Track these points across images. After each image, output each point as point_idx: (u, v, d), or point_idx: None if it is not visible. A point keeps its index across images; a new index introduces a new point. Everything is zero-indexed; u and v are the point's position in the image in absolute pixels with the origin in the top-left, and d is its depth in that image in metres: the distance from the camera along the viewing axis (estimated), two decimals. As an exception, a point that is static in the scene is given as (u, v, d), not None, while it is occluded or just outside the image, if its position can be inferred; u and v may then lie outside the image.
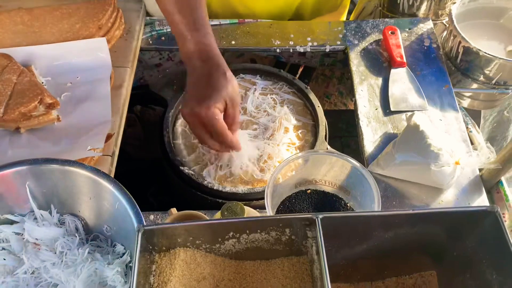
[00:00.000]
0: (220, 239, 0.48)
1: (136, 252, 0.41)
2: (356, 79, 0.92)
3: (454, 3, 0.96)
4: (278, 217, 0.45)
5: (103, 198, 0.54)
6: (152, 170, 0.94)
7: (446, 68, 0.94)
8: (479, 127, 0.91)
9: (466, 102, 1.02)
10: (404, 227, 0.47)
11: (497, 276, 0.44)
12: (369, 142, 0.82)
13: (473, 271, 0.49)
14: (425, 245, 0.53)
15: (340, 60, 1.05)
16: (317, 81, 1.30)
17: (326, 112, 0.88)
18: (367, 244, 0.51)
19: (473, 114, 0.95)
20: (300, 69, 1.08)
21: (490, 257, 0.45)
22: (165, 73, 1.00)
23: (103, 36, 0.87)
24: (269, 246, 0.50)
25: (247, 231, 0.46)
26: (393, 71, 0.92)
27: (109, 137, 0.76)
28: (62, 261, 0.52)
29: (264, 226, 0.45)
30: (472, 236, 0.47)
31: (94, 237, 0.57)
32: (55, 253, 0.54)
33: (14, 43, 0.83)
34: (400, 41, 0.95)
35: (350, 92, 0.94)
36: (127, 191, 0.52)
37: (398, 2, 1.06)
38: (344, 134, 1.19)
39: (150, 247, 0.47)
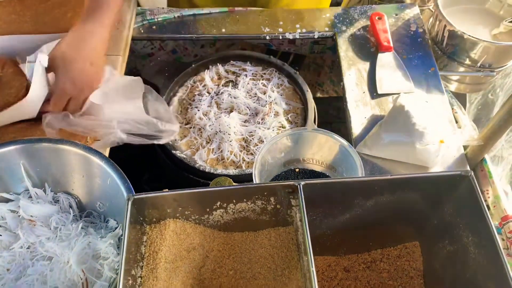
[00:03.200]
0: (208, 209, 0.50)
1: (126, 220, 0.43)
2: (344, 64, 0.94)
3: (440, -12, 0.98)
4: (262, 184, 0.47)
5: (95, 175, 0.55)
6: (145, 157, 0.96)
7: (433, 52, 0.96)
8: (465, 110, 0.93)
9: (453, 86, 1.04)
10: (384, 194, 0.49)
11: (472, 238, 0.46)
12: (357, 124, 0.84)
13: (451, 237, 0.51)
14: (407, 214, 0.55)
15: (330, 47, 1.07)
16: (308, 70, 1.31)
17: (317, 99, 0.90)
18: (350, 213, 0.52)
19: (460, 99, 0.96)
20: (291, 57, 1.10)
21: (466, 221, 0.47)
22: (156, 61, 1.02)
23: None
24: (256, 217, 0.52)
25: (234, 201, 0.48)
26: (380, 55, 0.94)
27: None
28: (56, 236, 0.54)
29: (249, 194, 0.47)
30: (449, 202, 0.49)
31: (87, 214, 0.59)
32: (50, 228, 0.55)
33: (7, 33, 0.84)
34: (387, 26, 0.97)
35: (340, 80, 0.96)
36: (118, 167, 0.53)
37: (386, -12, 1.08)
38: (335, 120, 1.21)
39: (141, 219, 0.49)
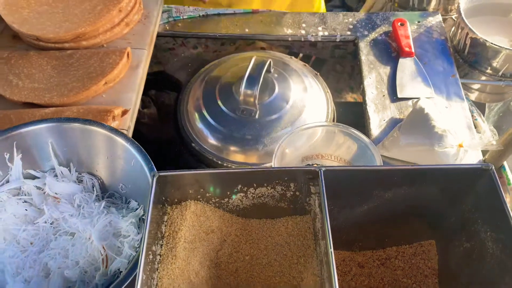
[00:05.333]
0: (228, 193, 0.51)
1: (150, 197, 0.44)
2: (364, 67, 0.95)
3: (463, -4, 0.99)
4: (284, 168, 0.48)
5: (119, 156, 0.57)
6: (166, 151, 0.98)
7: (454, 60, 0.96)
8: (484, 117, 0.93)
9: (473, 96, 1.04)
10: (403, 186, 0.49)
11: (491, 233, 0.46)
12: (376, 126, 0.85)
13: (468, 233, 0.51)
14: (424, 211, 0.56)
15: (350, 53, 1.08)
16: (328, 77, 1.32)
17: (336, 104, 0.91)
18: (367, 205, 0.53)
19: (479, 107, 0.96)
20: (311, 61, 1.12)
21: (484, 216, 0.47)
22: (179, 57, 1.04)
23: (122, 18, 0.92)
24: (275, 203, 0.53)
25: (254, 185, 0.49)
26: (401, 60, 0.95)
27: (125, 112, 0.80)
28: (79, 213, 0.56)
29: (270, 178, 0.48)
30: (468, 197, 0.49)
31: (109, 195, 0.61)
32: (73, 206, 0.57)
33: (39, 23, 0.87)
34: (409, 32, 0.97)
35: (360, 84, 0.97)
36: (143, 149, 0.55)
37: (409, -3, 1.09)
38: (352, 125, 1.21)
39: (163, 198, 0.50)
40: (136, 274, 0.40)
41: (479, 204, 0.48)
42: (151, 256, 0.46)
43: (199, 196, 0.51)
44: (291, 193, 0.51)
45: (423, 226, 0.60)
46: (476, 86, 1.01)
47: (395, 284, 0.62)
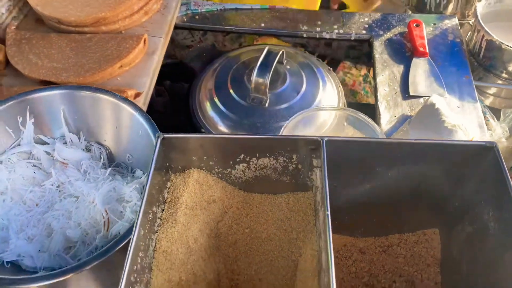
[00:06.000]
0: (231, 162, 0.51)
1: (154, 157, 0.45)
2: (378, 65, 0.95)
3: (480, 0, 0.99)
4: (286, 136, 0.48)
5: (127, 126, 0.58)
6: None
7: (469, 64, 0.96)
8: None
9: (488, 101, 1.03)
10: (406, 164, 0.49)
11: (493, 213, 0.45)
12: (386, 122, 0.85)
13: (471, 217, 0.50)
14: (428, 195, 0.55)
15: (365, 54, 1.09)
16: (343, 81, 1.33)
17: (349, 105, 0.91)
18: (370, 183, 0.53)
19: (494, 113, 0.95)
20: (326, 61, 1.12)
21: (487, 196, 0.47)
22: (196, 48, 1.06)
23: (142, 7, 0.94)
24: (277, 177, 0.53)
25: (257, 154, 0.50)
26: (415, 60, 0.95)
27: (138, 94, 0.81)
28: (85, 179, 0.57)
29: (272, 148, 0.48)
30: (472, 177, 0.48)
31: (116, 165, 0.62)
32: (80, 171, 0.58)
33: (62, 6, 0.90)
34: (424, 33, 0.98)
35: (373, 82, 0.97)
36: (151, 119, 0.56)
37: (426, 1, 1.09)
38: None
39: (167, 164, 0.51)
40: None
41: (483, 185, 0.47)
42: (150, 216, 0.46)
43: (202, 165, 0.52)
44: (293, 166, 0.51)
45: (426, 213, 0.59)
46: (490, 90, 1.00)
47: (396, 272, 0.61)
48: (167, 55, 0.99)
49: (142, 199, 0.41)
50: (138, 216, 0.40)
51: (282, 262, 0.54)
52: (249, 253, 0.54)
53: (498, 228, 0.44)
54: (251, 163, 0.51)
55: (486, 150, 0.45)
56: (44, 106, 0.59)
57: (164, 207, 0.51)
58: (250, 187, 0.55)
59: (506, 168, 0.43)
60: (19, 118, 0.59)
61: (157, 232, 0.49)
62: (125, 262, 0.37)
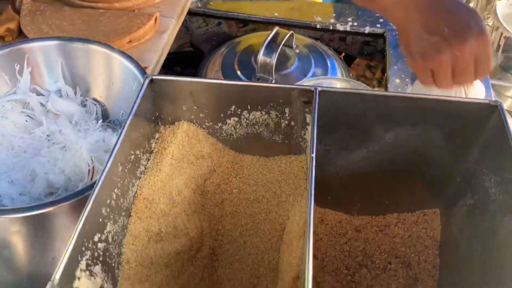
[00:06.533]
0: (222, 115, 0.50)
1: (138, 97, 0.44)
2: (391, 58, 0.93)
3: (500, -1, 0.96)
4: (278, 85, 0.46)
5: (123, 81, 0.57)
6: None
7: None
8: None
9: (506, 104, 0.99)
10: (404, 125, 0.47)
11: (495, 177, 0.42)
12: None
13: (473, 188, 0.47)
14: (428, 168, 0.52)
15: (380, 51, 1.07)
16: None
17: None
18: (367, 148, 0.50)
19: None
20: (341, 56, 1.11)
21: (490, 161, 0.44)
22: (206, 31, 1.06)
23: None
24: (269, 135, 0.51)
25: (248, 107, 0.48)
26: (429, 54, 0.92)
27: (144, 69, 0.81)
28: (76, 129, 0.56)
29: (264, 100, 0.46)
30: (474, 144, 0.46)
31: (109, 121, 0.61)
32: (71, 123, 0.57)
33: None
34: (440, 28, 0.95)
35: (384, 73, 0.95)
36: (146, 72, 0.55)
37: (445, 0, 1.07)
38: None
39: (157, 114, 0.50)
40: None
41: (487, 150, 0.44)
42: (133, 158, 0.45)
43: (192, 117, 0.50)
44: (286, 122, 0.49)
45: (427, 191, 0.56)
46: (508, 93, 0.97)
47: (392, 253, 0.58)
48: (181, 44, 0.99)
49: (121, 131, 0.39)
50: (115, 145, 0.38)
51: (268, 225, 0.51)
52: (235, 214, 0.52)
53: (499, 193, 0.41)
54: (242, 117, 0.49)
55: (490, 109, 0.42)
56: (42, 56, 0.59)
57: (150, 156, 0.49)
58: (241, 148, 0.53)
59: (510, 127, 0.40)
60: (17, 66, 0.59)
61: (139, 179, 0.47)
62: (93, 189, 0.36)
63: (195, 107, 0.49)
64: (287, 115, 0.48)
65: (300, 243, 0.45)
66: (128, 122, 0.41)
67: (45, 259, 0.49)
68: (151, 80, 0.46)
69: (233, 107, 0.48)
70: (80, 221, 0.34)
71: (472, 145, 0.46)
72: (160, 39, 0.90)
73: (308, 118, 0.47)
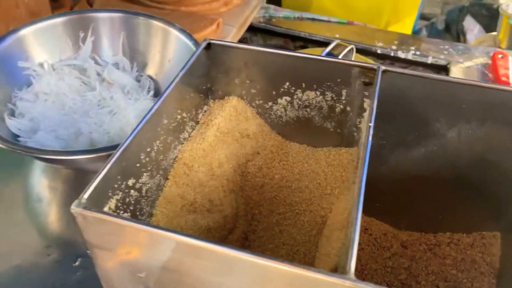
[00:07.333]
0: (274, 93, 0.48)
1: (193, 56, 0.43)
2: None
3: None
4: (337, 60, 0.44)
5: (181, 58, 0.57)
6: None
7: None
8: None
9: None
10: (471, 121, 0.42)
11: None
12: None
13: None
14: (492, 180, 0.47)
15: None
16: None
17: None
18: (425, 146, 0.46)
19: None
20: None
21: None
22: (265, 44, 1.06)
23: (224, -5, 0.97)
24: (321, 121, 0.48)
25: (303, 85, 0.46)
26: (495, 88, 0.87)
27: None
28: (127, 98, 0.56)
29: (321, 78, 0.44)
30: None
31: (160, 98, 0.60)
32: (123, 92, 0.57)
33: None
34: (509, 64, 0.91)
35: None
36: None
37: (516, 42, 1.03)
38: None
39: (208, 85, 0.49)
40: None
41: None
42: (179, 117, 0.43)
43: (244, 92, 0.49)
44: (341, 107, 0.46)
45: (488, 211, 0.51)
46: None
47: (441, 275, 0.52)
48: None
49: (173, 80, 0.38)
50: (165, 91, 0.37)
51: (309, 216, 0.47)
52: (274, 200, 0.49)
53: None
54: (295, 96, 0.47)
55: None
56: (105, 28, 0.61)
57: (196, 127, 0.48)
58: (289, 134, 0.51)
59: None
60: (81, 33, 0.60)
61: (181, 144, 0.45)
62: (137, 125, 0.34)
63: (248, 81, 0.48)
64: (343, 98, 0.45)
65: (342, 234, 0.41)
66: (180, 75, 0.39)
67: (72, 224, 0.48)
68: (208, 45, 0.45)
69: (287, 84, 0.46)
70: (118, 150, 0.32)
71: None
72: (220, 44, 0.91)
73: (366, 104, 0.44)
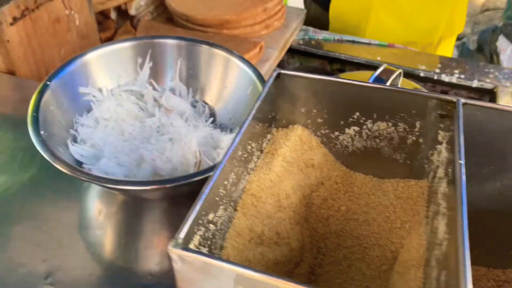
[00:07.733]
0: (342, 123, 0.47)
1: (265, 89, 0.42)
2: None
3: None
4: (413, 91, 0.43)
5: (237, 84, 0.57)
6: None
7: None
8: None
9: None
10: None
11: None
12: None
13: None
14: None
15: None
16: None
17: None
18: (501, 181, 0.45)
19: None
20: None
21: None
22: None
23: (264, 19, 0.98)
24: (390, 152, 0.47)
25: (374, 116, 0.45)
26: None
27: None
28: (187, 125, 0.55)
29: (395, 108, 0.43)
30: None
31: (215, 124, 0.60)
32: (182, 118, 0.57)
33: (192, 5, 0.97)
34: (560, 89, 0.88)
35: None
36: (262, 76, 0.54)
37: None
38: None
39: (272, 115, 0.48)
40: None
41: None
42: (249, 147, 0.43)
43: (309, 121, 0.48)
44: (414, 138, 0.45)
45: None
46: None
47: (513, 314, 0.50)
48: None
49: (250, 113, 0.38)
50: (243, 126, 0.37)
51: (378, 251, 0.46)
52: (340, 234, 0.47)
53: None
54: (364, 127, 0.46)
55: None
56: (163, 54, 0.61)
57: (260, 155, 0.47)
58: (354, 164, 0.50)
59: None
60: (139, 59, 0.60)
61: (249, 174, 0.45)
62: (221, 159, 0.34)
63: (315, 110, 0.47)
64: (416, 129, 0.44)
65: (420, 272, 0.40)
66: (256, 106, 0.39)
67: (128, 251, 0.48)
68: (278, 75, 0.45)
69: (357, 114, 0.45)
70: (207, 186, 0.31)
71: None
72: (263, 66, 0.91)
73: (441, 136, 0.43)
